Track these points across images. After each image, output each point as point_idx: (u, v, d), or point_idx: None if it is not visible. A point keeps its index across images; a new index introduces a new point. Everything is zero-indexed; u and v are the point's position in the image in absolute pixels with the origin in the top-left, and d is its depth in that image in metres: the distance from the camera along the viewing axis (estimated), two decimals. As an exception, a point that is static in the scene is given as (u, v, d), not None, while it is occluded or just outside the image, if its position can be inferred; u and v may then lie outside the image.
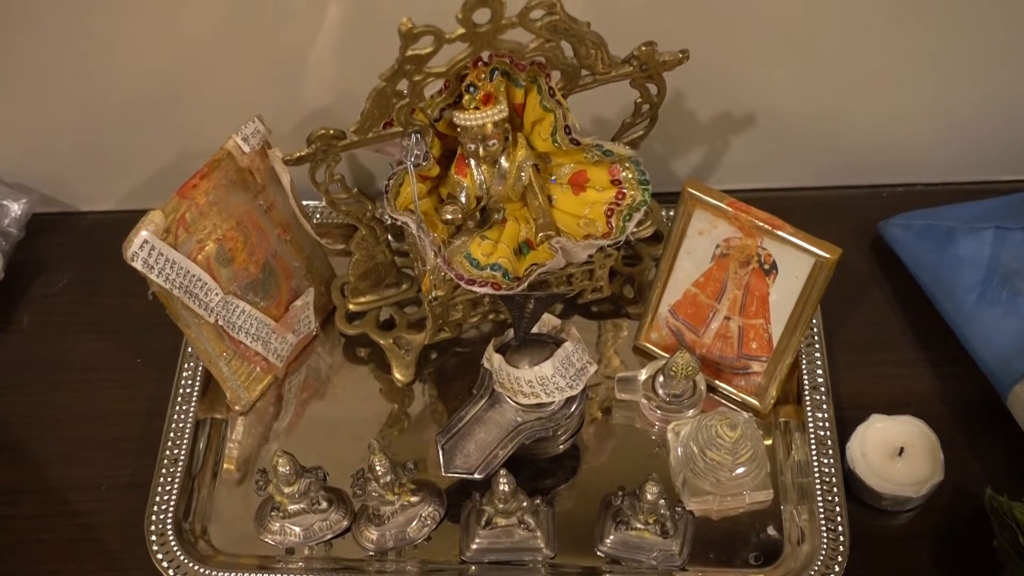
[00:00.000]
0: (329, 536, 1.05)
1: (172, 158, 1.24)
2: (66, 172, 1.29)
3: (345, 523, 1.05)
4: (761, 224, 1.03)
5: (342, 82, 1.16)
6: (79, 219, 1.32)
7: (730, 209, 1.04)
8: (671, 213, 1.15)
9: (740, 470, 1.02)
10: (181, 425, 1.11)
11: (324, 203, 1.06)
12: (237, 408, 1.13)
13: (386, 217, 1.07)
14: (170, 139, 1.23)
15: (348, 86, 1.06)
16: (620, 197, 1.06)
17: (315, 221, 1.23)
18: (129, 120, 1.21)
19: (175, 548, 1.03)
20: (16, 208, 1.26)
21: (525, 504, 1.01)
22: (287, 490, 1.02)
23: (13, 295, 1.24)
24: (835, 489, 1.04)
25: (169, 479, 1.07)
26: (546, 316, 1.04)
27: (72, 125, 1.22)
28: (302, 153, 1.00)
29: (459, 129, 1.01)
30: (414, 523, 1.04)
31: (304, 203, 1.12)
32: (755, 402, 1.11)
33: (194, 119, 1.19)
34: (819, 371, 1.11)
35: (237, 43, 1.13)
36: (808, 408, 1.09)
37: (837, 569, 1.00)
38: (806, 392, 1.10)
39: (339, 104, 1.17)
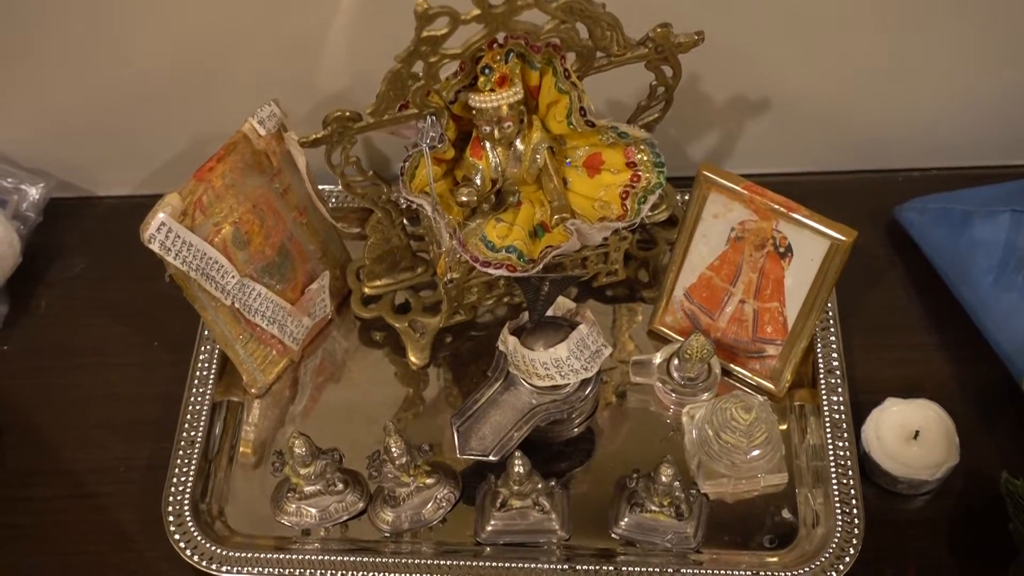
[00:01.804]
0: (345, 518, 1.05)
1: (189, 143, 1.24)
2: (83, 157, 1.29)
3: (361, 505, 1.06)
4: (776, 207, 1.02)
5: (358, 64, 1.16)
6: (96, 204, 1.32)
7: (745, 192, 1.03)
8: (686, 197, 1.15)
9: (755, 453, 1.03)
10: (198, 408, 1.11)
11: (340, 186, 1.07)
12: (253, 391, 1.14)
13: (401, 200, 1.08)
14: (187, 124, 1.23)
15: (364, 68, 1.06)
16: (635, 180, 1.06)
17: (331, 204, 1.23)
18: (146, 105, 1.21)
19: (192, 529, 1.04)
20: (34, 192, 1.26)
21: (540, 486, 1.01)
22: (303, 472, 1.02)
23: (31, 279, 1.25)
24: (850, 472, 1.04)
25: (186, 461, 1.08)
26: (561, 299, 1.04)
27: (89, 110, 1.23)
28: (318, 135, 1.00)
29: (474, 111, 1.02)
30: (429, 505, 1.04)
31: (320, 186, 1.12)
32: (770, 385, 1.11)
33: (210, 103, 1.19)
34: (834, 354, 1.11)
35: (253, 27, 1.14)
36: (823, 391, 1.09)
37: (852, 552, 1.00)
38: (821, 375, 1.10)
39: (355, 86, 1.17)
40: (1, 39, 1.16)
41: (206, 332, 1.15)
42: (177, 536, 1.04)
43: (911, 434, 1.05)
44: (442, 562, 1.02)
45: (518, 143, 1.05)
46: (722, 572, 1.00)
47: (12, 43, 1.16)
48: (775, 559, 1.02)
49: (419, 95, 0.97)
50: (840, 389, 1.09)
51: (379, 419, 1.08)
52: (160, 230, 0.98)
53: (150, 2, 1.12)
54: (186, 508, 1.05)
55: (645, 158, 1.07)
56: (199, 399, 1.12)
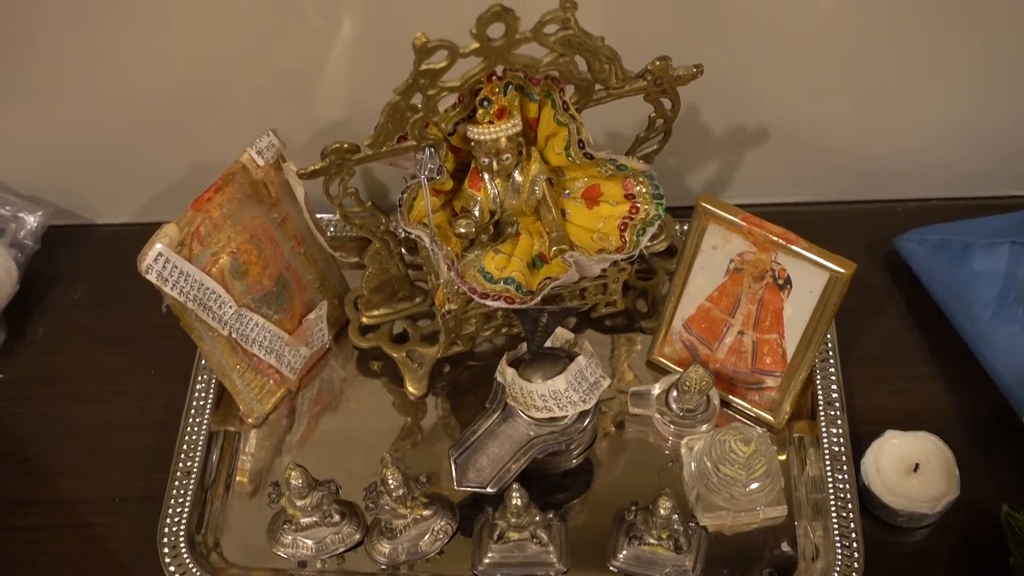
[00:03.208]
0: (341, 549, 1.05)
1: (187, 171, 1.24)
2: (82, 185, 1.29)
3: (357, 536, 1.05)
4: (775, 239, 1.02)
5: (356, 96, 1.16)
6: (94, 231, 1.33)
7: (744, 224, 1.03)
8: (685, 227, 1.15)
9: (754, 485, 1.02)
10: (194, 438, 1.11)
11: (338, 216, 1.07)
12: (250, 421, 1.13)
13: (400, 230, 1.08)
14: (185, 152, 1.23)
15: (362, 100, 1.06)
16: (634, 211, 1.06)
17: (329, 234, 1.23)
18: (145, 133, 1.21)
19: (187, 561, 1.03)
20: (32, 220, 1.26)
21: (538, 518, 1.01)
22: (299, 503, 1.02)
23: (28, 307, 1.25)
24: (850, 505, 1.03)
25: (182, 491, 1.07)
26: (559, 330, 1.04)
27: (88, 138, 1.23)
28: (316, 167, 1.00)
29: (473, 143, 1.02)
30: (426, 537, 1.04)
31: (318, 216, 1.12)
32: (769, 417, 1.11)
33: (209, 133, 1.19)
34: (833, 386, 1.11)
35: (252, 57, 1.14)
36: (822, 423, 1.08)
37: (852, 586, 0.99)
38: (820, 407, 1.09)
39: (353, 118, 1.17)
40: (0, 68, 1.16)
41: (203, 361, 1.15)
42: (172, 568, 1.03)
43: (911, 467, 1.05)
44: (439, 595, 1.02)
45: (516, 175, 1.05)
46: (721, 606, 1.00)
47: (11, 71, 1.16)
48: (774, 593, 1.01)
49: (418, 127, 0.97)
50: (839, 421, 1.08)
51: (376, 449, 1.08)
52: (157, 260, 0.97)
53: (149, 31, 1.12)
54: (182, 539, 1.04)
55: (644, 190, 1.07)
56: (196, 429, 1.11)
